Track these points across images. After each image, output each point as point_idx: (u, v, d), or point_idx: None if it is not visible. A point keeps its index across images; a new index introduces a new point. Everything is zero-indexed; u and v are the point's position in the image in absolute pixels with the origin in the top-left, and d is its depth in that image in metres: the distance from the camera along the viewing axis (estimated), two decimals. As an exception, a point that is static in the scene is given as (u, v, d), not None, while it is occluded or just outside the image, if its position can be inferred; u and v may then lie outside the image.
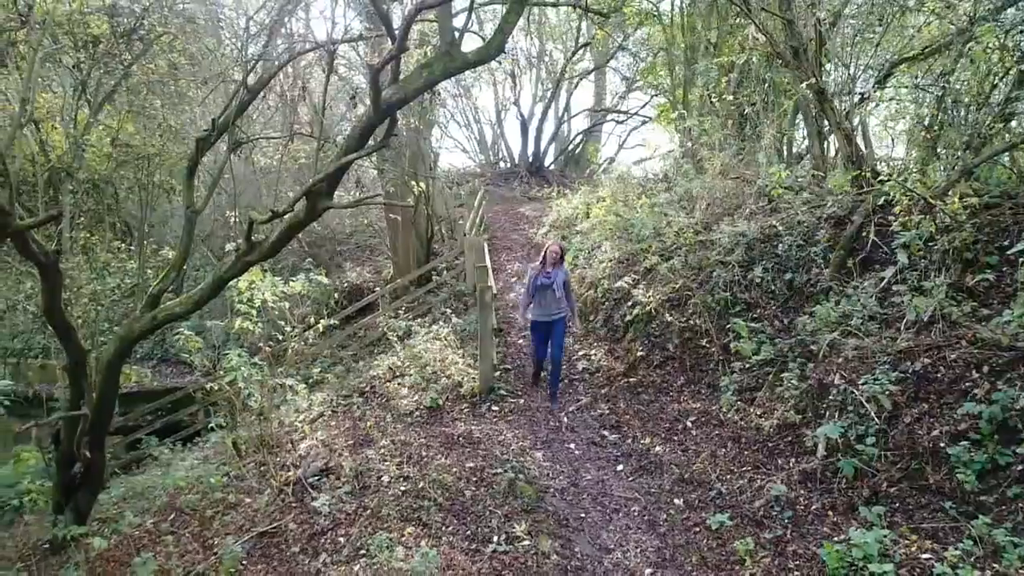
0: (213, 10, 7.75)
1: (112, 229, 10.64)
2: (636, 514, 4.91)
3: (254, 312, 7.15)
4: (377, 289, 12.22)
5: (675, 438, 5.92)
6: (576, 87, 25.03)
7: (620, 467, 5.73)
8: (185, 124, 9.77)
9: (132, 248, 10.50)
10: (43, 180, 7.81)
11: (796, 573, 3.88)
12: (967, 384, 4.38)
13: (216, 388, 7.05)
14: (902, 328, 5.32)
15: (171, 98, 10.13)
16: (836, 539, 3.95)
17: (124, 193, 10.54)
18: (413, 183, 11.19)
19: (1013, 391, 4.05)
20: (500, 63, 22.18)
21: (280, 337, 7.91)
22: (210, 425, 7.46)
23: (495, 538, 4.50)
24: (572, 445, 6.20)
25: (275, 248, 5.16)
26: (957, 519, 3.79)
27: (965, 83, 7.54)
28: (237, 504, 5.96)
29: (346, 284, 14.39)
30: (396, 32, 3.80)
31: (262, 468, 6.48)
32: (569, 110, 25.54)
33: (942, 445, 4.15)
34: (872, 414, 4.62)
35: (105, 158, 9.66)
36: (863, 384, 4.77)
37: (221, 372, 6.51)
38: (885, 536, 3.79)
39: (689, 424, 6.07)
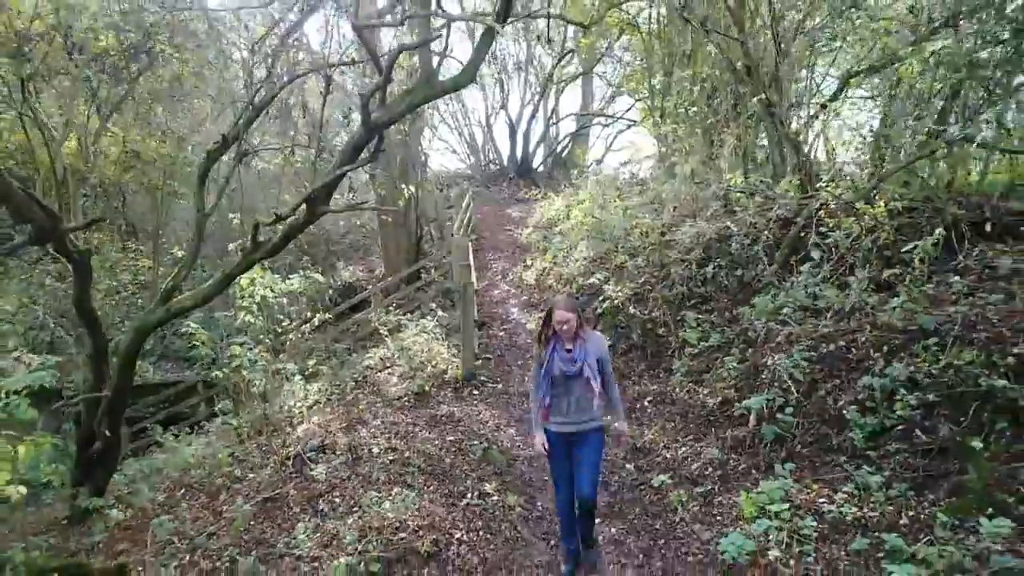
0: (217, 29, 8.40)
1: (119, 231, 11.32)
2: (593, 478, 5.66)
3: (255, 307, 7.88)
4: (369, 287, 12.95)
5: (633, 415, 6.69)
6: (563, 91, 25.81)
7: (583, 441, 6.47)
8: (189, 132, 10.45)
9: (141, 248, 11.20)
10: (57, 185, 8.51)
11: (718, 516, 4.66)
12: (869, 362, 5.15)
13: (221, 376, 7.77)
14: (827, 317, 6.10)
15: (173, 107, 10.85)
16: (753, 490, 4.71)
17: (131, 196, 11.24)
18: (403, 186, 11.92)
19: (900, 366, 4.83)
20: (488, 67, 22.98)
21: (279, 330, 8.63)
22: (216, 409, 8.13)
23: (469, 495, 5.26)
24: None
25: (277, 248, 5.89)
26: (847, 471, 4.56)
27: (901, 99, 8.37)
28: (242, 478, 6.66)
29: (340, 282, 15.11)
30: (382, 65, 4.54)
31: (263, 448, 7.19)
32: (557, 113, 26.29)
33: (844, 412, 4.93)
34: (792, 388, 5.39)
35: (113, 163, 10.35)
36: (785, 363, 5.54)
37: (228, 359, 7.22)
38: (791, 486, 4.56)
39: (646, 403, 6.84)
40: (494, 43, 5.04)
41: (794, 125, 9.90)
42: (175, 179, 10.74)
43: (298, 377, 8.24)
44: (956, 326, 4.83)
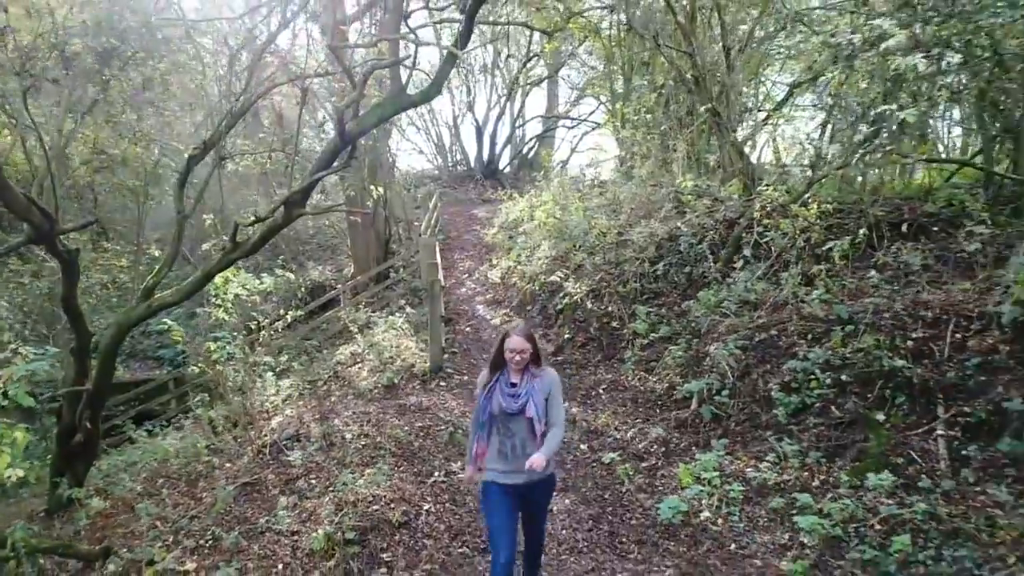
0: (190, 34, 8.71)
1: (91, 231, 11.50)
2: (551, 458, 6.18)
3: (228, 304, 8.23)
4: (339, 286, 13.30)
5: (588, 402, 7.23)
6: (529, 93, 26.34)
7: (543, 426, 6.99)
8: (160, 134, 10.71)
9: (117, 248, 11.40)
10: (53, 188, 8.73)
11: (660, 486, 5.21)
12: (795, 348, 5.77)
13: (198, 371, 8.10)
14: (763, 309, 6.72)
15: (144, 110, 11.06)
16: (691, 463, 5.28)
17: (103, 197, 11.44)
18: (372, 187, 12.31)
19: (820, 351, 5.45)
20: (455, 71, 23.38)
21: (252, 327, 8.97)
22: (192, 403, 8.41)
23: (436, 473, 5.74)
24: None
25: (255, 247, 6.28)
26: (771, 443, 5.15)
27: (839, 109, 9.06)
28: (220, 467, 7.02)
29: (309, 282, 15.40)
30: (356, 81, 4.98)
31: (239, 440, 7.54)
32: (523, 115, 26.78)
33: (772, 393, 5.53)
34: (729, 373, 5.98)
35: (85, 165, 10.55)
36: (723, 351, 6.13)
37: (203, 355, 7.56)
38: (724, 458, 5.15)
39: (601, 391, 7.38)
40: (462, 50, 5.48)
41: (742, 132, 10.60)
42: (147, 180, 10.97)
43: (270, 374, 8.60)
44: (868, 315, 5.47)
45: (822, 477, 4.64)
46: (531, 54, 23.37)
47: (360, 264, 13.99)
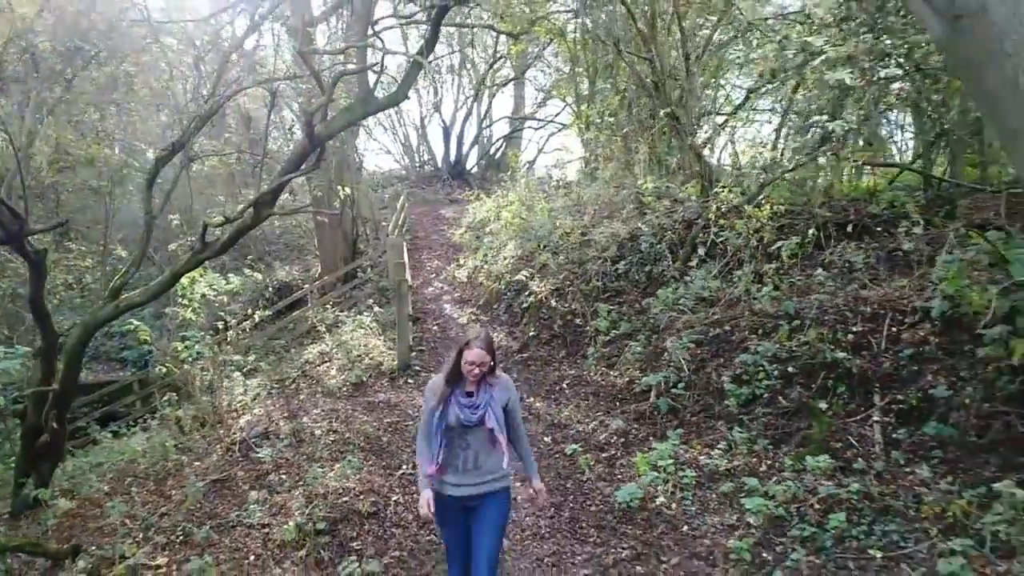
0: (155, 32, 8.72)
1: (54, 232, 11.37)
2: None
3: (195, 304, 8.28)
4: (306, 286, 13.34)
5: (552, 396, 7.47)
6: (496, 94, 26.54)
7: (509, 420, 7.22)
8: (128, 135, 10.66)
9: (83, 248, 11.30)
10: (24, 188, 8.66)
11: (619, 474, 5.48)
12: (747, 343, 6.09)
13: (166, 371, 8.12)
14: (717, 305, 7.04)
15: (108, 110, 11.00)
16: (648, 452, 5.55)
17: (65, 197, 11.32)
18: (339, 187, 12.40)
19: (769, 344, 5.78)
20: (424, 72, 23.45)
21: (219, 327, 9.01)
22: (161, 402, 8.41)
23: (403, 467, 5.92)
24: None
25: (224, 248, 6.38)
26: (723, 432, 5.45)
27: (793, 114, 9.47)
28: (188, 464, 7.08)
29: (276, 282, 15.38)
30: (325, 85, 5.13)
31: (208, 438, 7.60)
32: (491, 116, 26.98)
33: (724, 385, 5.83)
34: (684, 367, 6.28)
35: (48, 164, 10.45)
36: (679, 346, 6.43)
37: (174, 351, 7.60)
38: (679, 447, 5.43)
39: (564, 386, 7.64)
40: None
41: (703, 135, 10.97)
42: (112, 180, 10.90)
43: (237, 373, 8.65)
44: (813, 310, 5.81)
45: (768, 462, 4.94)
46: (498, 55, 23.57)
47: (327, 264, 14.05)
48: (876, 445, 4.64)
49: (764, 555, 4.10)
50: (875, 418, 4.83)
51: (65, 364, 6.81)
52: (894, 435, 4.64)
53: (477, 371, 3.32)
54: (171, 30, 9.11)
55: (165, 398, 7.97)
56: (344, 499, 5.23)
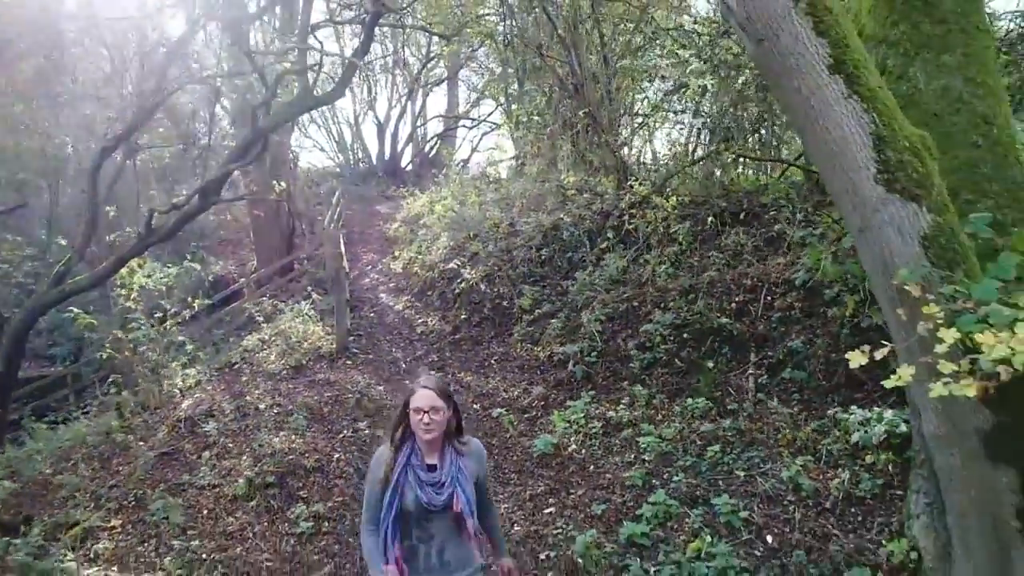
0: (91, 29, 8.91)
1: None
2: (448, 418, 7.07)
3: (134, 292, 8.54)
4: (242, 280, 13.58)
5: (482, 371, 8.16)
6: (430, 93, 27.02)
7: (442, 393, 7.86)
8: (60, 129, 10.72)
9: (18, 238, 11.26)
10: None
11: (538, 430, 6.21)
12: (651, 315, 6.94)
13: (108, 356, 8.35)
14: (627, 285, 7.89)
15: (38, 102, 11.01)
16: (563, 411, 6.31)
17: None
18: (275, 181, 12.73)
19: (668, 315, 6.64)
20: (359, 74, 23.71)
21: (158, 317, 9.26)
22: (105, 384, 8.55)
23: (345, 431, 6.50)
24: (407, 382, 8.26)
25: (170, 233, 6.79)
26: (628, 391, 6.27)
27: (702, 115, 10.46)
28: (134, 444, 7.38)
29: (212, 276, 15.49)
30: (268, 83, 5.65)
31: (151, 422, 7.88)
32: (425, 114, 27.42)
33: (630, 351, 6.66)
34: (597, 338, 7.08)
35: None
36: (592, 321, 7.23)
37: (118, 336, 7.86)
38: (590, 405, 6.22)
39: (493, 362, 8.34)
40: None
41: (624, 134, 11.87)
42: (48, 173, 10.93)
43: (175, 364, 8.92)
44: (704, 285, 6.71)
45: (664, 412, 5.78)
46: (431, 55, 24.07)
47: (264, 258, 14.32)
48: (749, 392, 5.54)
49: (654, 482, 4.90)
50: (750, 371, 5.73)
51: (9, 346, 7.05)
52: (763, 383, 5.54)
53: (430, 422, 2.50)
54: (106, 26, 9.31)
55: (110, 380, 8.18)
56: (290, 457, 5.77)
